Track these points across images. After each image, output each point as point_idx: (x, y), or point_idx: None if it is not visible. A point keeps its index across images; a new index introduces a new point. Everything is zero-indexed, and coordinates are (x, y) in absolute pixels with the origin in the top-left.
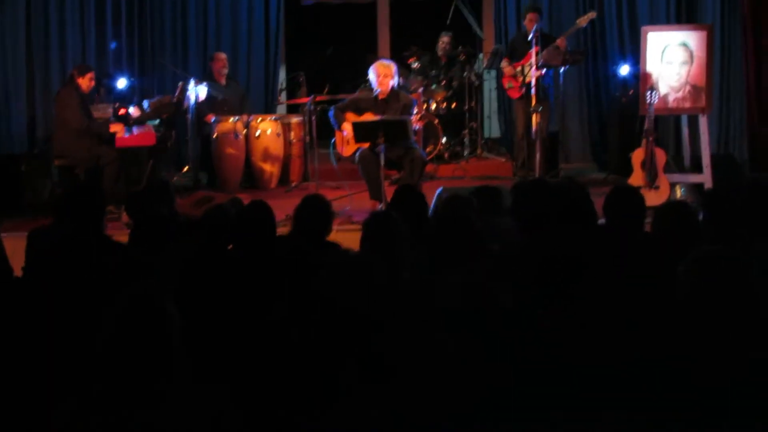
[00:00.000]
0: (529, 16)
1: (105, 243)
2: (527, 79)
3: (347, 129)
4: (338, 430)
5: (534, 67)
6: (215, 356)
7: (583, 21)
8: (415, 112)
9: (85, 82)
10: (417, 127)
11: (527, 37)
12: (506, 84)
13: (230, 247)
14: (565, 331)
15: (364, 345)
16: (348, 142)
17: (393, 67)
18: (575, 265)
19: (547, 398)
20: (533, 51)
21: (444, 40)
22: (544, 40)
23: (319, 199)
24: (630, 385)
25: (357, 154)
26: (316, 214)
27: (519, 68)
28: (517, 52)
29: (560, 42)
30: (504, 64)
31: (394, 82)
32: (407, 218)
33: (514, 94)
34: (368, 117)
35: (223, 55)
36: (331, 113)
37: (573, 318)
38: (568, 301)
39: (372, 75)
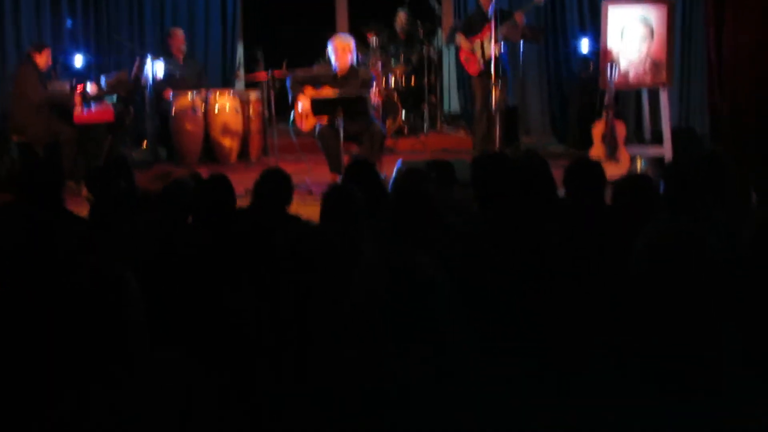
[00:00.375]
0: None
1: (66, 217)
2: (487, 54)
3: (303, 102)
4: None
5: (493, 42)
6: (177, 329)
7: None
8: (374, 87)
9: (43, 60)
10: (376, 102)
11: (483, 13)
12: (463, 58)
13: (190, 220)
14: (528, 304)
15: (328, 314)
16: (306, 116)
17: (351, 42)
18: (539, 238)
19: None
20: (491, 25)
21: (401, 16)
22: (501, 16)
23: (279, 172)
24: (593, 359)
25: (316, 128)
26: (275, 187)
27: (476, 42)
28: (473, 28)
29: (518, 17)
30: (460, 39)
31: (352, 57)
32: (362, 191)
33: (473, 70)
34: (326, 91)
35: (180, 32)
36: (288, 82)
37: (537, 292)
38: (532, 275)
39: (330, 50)
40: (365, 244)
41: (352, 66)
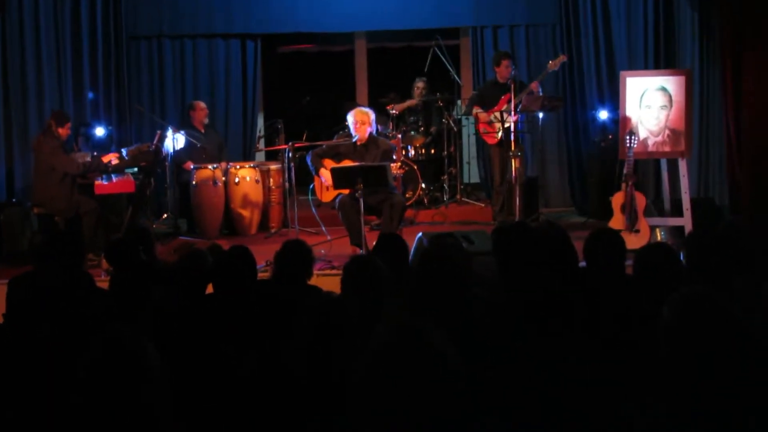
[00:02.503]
0: (504, 62)
1: (88, 287)
2: (506, 124)
3: (325, 175)
4: None
5: (513, 113)
6: (193, 400)
7: (553, 64)
8: (395, 158)
9: (64, 132)
10: (398, 174)
11: (497, 83)
12: (481, 130)
13: (211, 291)
14: (549, 374)
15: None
16: (327, 188)
17: (371, 114)
18: (559, 308)
19: None
20: (508, 97)
21: (418, 86)
22: (518, 86)
23: (300, 244)
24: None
25: (337, 200)
26: (296, 259)
27: (493, 115)
28: (488, 99)
29: (533, 86)
30: (477, 110)
31: (371, 129)
32: (390, 265)
33: (491, 140)
34: (346, 163)
35: (203, 105)
36: (308, 158)
37: (556, 360)
38: (551, 343)
39: (350, 121)
40: (386, 316)
41: (371, 136)
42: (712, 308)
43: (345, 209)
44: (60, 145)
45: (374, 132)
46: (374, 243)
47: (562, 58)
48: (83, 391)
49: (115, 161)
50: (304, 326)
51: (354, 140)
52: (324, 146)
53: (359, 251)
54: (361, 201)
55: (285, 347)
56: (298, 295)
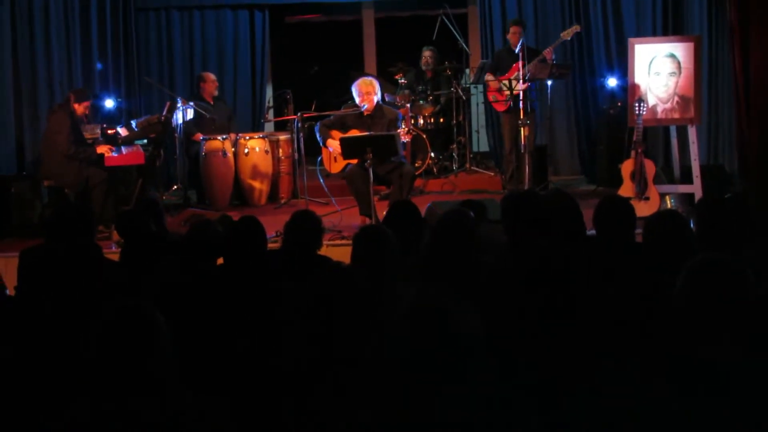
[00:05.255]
0: (512, 29)
1: (97, 259)
2: (514, 92)
3: (333, 146)
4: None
5: (521, 81)
6: (204, 370)
7: (567, 34)
8: (401, 126)
9: (81, 109)
10: (405, 141)
11: (511, 50)
12: (491, 98)
13: (221, 262)
14: (557, 343)
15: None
16: (335, 159)
17: (375, 83)
18: (565, 277)
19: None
20: (519, 64)
21: (426, 54)
22: (529, 53)
23: (309, 215)
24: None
25: (346, 170)
26: (306, 230)
27: (504, 82)
28: (501, 66)
29: (547, 53)
30: (488, 77)
31: (377, 98)
32: (404, 232)
33: (500, 108)
34: (354, 133)
35: (213, 76)
36: (316, 129)
37: (566, 330)
38: (559, 313)
39: (354, 92)
40: (398, 285)
41: (378, 105)
42: (729, 275)
43: (354, 179)
44: (70, 121)
45: (380, 101)
46: (386, 211)
47: (576, 29)
48: (93, 359)
49: (108, 153)
50: (312, 297)
51: (362, 110)
52: (332, 117)
53: (368, 221)
54: (370, 171)
55: (293, 317)
56: (308, 266)
